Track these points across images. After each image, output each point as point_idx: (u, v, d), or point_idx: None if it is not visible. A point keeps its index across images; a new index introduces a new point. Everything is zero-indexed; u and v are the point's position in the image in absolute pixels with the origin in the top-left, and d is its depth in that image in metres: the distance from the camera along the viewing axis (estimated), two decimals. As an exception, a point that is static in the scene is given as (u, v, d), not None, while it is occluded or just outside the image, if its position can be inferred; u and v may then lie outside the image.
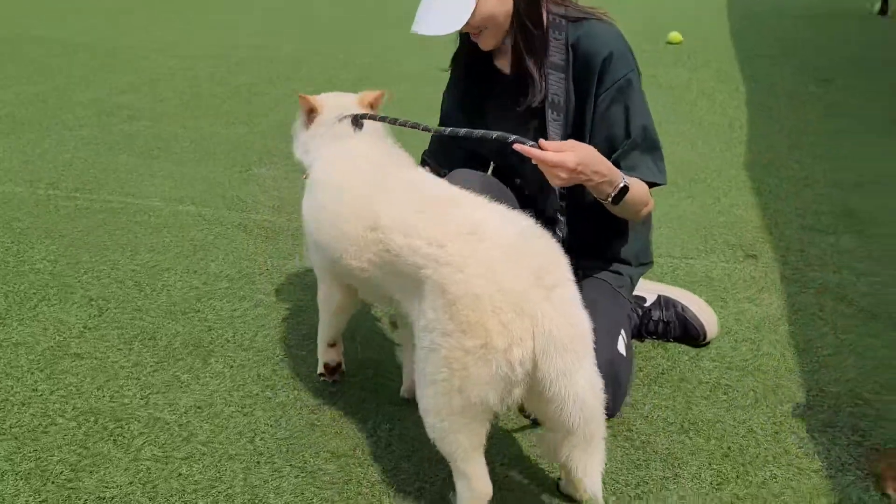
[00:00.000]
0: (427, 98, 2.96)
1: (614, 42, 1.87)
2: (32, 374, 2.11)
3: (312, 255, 1.92)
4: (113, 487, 1.73)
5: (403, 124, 1.86)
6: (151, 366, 2.16)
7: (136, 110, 4.33)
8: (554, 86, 1.92)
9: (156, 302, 2.47)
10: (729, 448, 1.86)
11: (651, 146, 1.91)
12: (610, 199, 1.78)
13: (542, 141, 1.62)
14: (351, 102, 1.96)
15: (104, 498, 1.70)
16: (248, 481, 1.75)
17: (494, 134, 1.70)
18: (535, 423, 1.85)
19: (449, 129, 1.86)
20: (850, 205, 3.24)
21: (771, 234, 2.98)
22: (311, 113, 1.94)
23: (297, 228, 2.98)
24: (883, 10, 7.56)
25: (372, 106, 1.97)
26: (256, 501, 1.69)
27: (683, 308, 2.22)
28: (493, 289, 1.37)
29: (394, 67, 5.52)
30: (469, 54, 2.00)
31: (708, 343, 2.23)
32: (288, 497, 1.71)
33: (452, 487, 1.59)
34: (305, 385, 2.08)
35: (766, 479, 1.77)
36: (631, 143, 1.88)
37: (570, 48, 1.89)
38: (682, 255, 2.76)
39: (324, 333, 2.02)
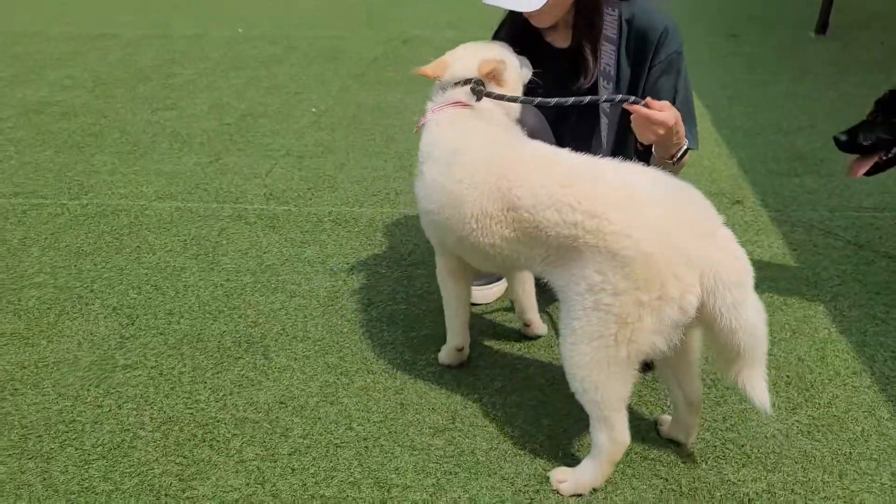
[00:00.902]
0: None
1: (668, 19, 1.99)
2: (88, 391, 1.99)
3: (429, 231, 1.92)
4: (232, 491, 1.69)
5: (514, 100, 1.86)
6: (211, 368, 2.08)
7: (70, 107, 4.01)
8: (606, 56, 2.02)
9: (186, 303, 2.37)
10: (788, 377, 2.05)
11: (690, 115, 2.05)
12: (674, 160, 1.90)
13: (648, 100, 1.72)
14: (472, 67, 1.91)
15: (226, 502, 1.66)
16: (364, 465, 1.76)
17: (587, 99, 1.77)
18: (646, 370, 1.94)
19: (551, 100, 1.86)
20: (798, 148, 3.56)
21: (744, 180, 3.23)
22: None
23: (297, 215, 2.93)
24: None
25: (489, 76, 1.90)
26: (382, 484, 1.71)
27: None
28: (663, 246, 1.46)
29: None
30: (522, 31, 2.04)
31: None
32: (411, 476, 1.73)
33: (562, 443, 1.68)
34: (377, 367, 2.09)
35: (830, 399, 1.97)
36: (680, 103, 2.00)
37: (623, 22, 1.98)
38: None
39: (451, 314, 2.04)
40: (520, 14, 2.02)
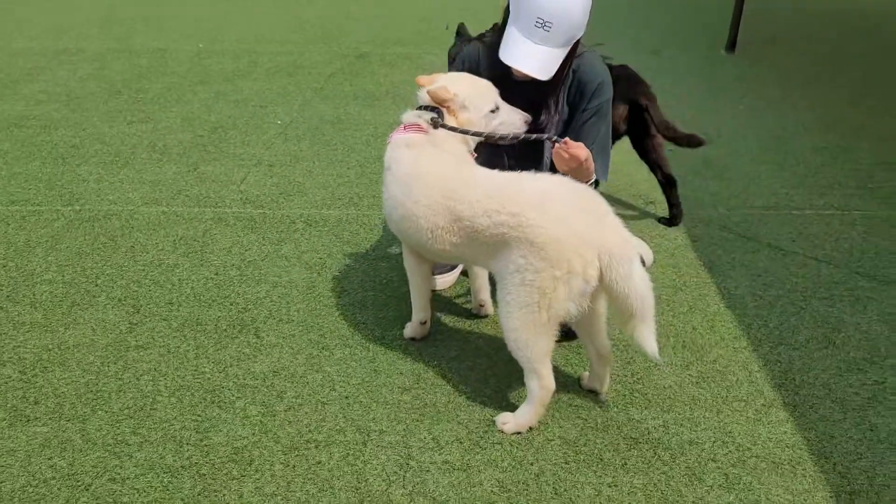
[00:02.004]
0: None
1: (604, 74, 2.49)
2: (108, 367, 2.36)
3: (394, 231, 2.37)
4: (240, 439, 2.09)
5: (464, 132, 2.29)
6: (212, 346, 2.48)
7: (49, 120, 4.29)
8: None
9: (182, 294, 2.75)
10: (684, 342, 2.57)
11: (606, 153, 2.57)
12: None
13: (567, 140, 2.21)
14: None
15: (238, 448, 2.06)
16: (347, 417, 2.18)
17: (534, 136, 2.27)
18: (569, 338, 2.42)
19: (495, 134, 2.32)
20: (707, 155, 4.11)
21: (657, 184, 3.75)
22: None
23: (272, 217, 3.32)
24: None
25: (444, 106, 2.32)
26: (362, 430, 2.13)
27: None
28: (567, 233, 1.94)
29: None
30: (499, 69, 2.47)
31: (647, 270, 2.92)
32: (385, 423, 2.16)
33: (505, 396, 2.14)
34: (353, 342, 2.51)
35: (715, 358, 2.49)
36: (595, 150, 2.50)
37: (570, 71, 2.47)
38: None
39: (415, 294, 2.48)
40: (487, 52, 2.46)
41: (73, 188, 3.51)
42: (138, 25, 6.34)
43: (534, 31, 2.27)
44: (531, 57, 2.29)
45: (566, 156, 2.26)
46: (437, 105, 2.31)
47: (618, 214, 2.06)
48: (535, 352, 2.06)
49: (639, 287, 1.99)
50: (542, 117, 2.54)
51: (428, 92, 2.30)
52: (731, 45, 6.01)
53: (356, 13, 6.94)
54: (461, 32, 3.53)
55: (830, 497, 1.96)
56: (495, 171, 2.24)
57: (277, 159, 3.90)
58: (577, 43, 2.42)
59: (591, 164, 2.37)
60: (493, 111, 2.36)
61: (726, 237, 3.27)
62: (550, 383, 2.11)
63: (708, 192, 3.69)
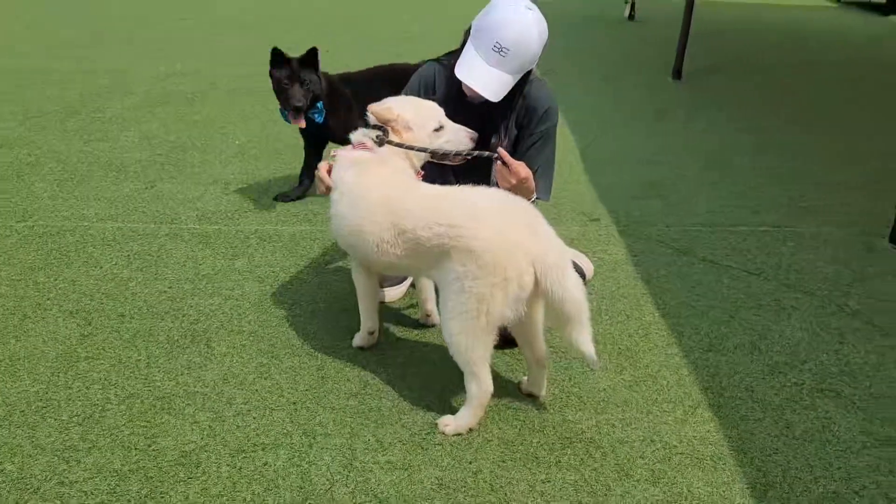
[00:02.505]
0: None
1: (551, 101, 2.68)
2: (58, 376, 2.41)
3: (342, 246, 2.47)
4: (190, 443, 2.16)
5: (410, 148, 2.40)
6: (164, 356, 2.54)
7: (4, 139, 4.32)
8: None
9: (135, 307, 2.81)
10: (619, 349, 2.70)
11: (549, 175, 2.74)
12: None
13: (503, 152, 2.37)
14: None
15: (186, 452, 2.13)
16: (294, 422, 2.26)
17: (475, 152, 2.41)
18: (500, 347, 2.53)
19: (450, 152, 2.45)
20: (650, 176, 4.31)
21: (603, 202, 3.93)
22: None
23: (227, 233, 3.40)
24: (631, 16, 9.15)
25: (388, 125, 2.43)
26: (308, 433, 2.21)
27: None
28: (503, 242, 2.06)
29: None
30: (455, 90, 2.61)
31: (587, 282, 3.07)
32: (331, 427, 2.25)
33: (448, 400, 2.24)
34: (302, 352, 2.59)
35: (648, 363, 2.62)
36: (539, 171, 2.66)
37: (522, 97, 2.62)
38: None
39: (364, 306, 2.57)
40: (454, 78, 2.58)
41: (27, 205, 3.54)
42: (99, 47, 6.39)
43: (490, 54, 2.43)
44: (484, 77, 2.45)
45: (508, 174, 2.40)
46: (383, 125, 2.43)
47: (564, 229, 2.20)
48: (475, 356, 2.17)
49: (572, 293, 2.11)
50: (493, 140, 2.68)
51: (372, 112, 2.43)
52: (677, 74, 6.27)
53: (317, 39, 7.08)
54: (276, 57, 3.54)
55: (747, 489, 2.09)
56: (436, 186, 2.36)
57: (234, 178, 3.98)
58: (529, 72, 2.58)
59: (532, 184, 2.51)
60: (437, 129, 2.47)
61: (665, 252, 3.43)
62: (489, 386, 2.21)
63: (650, 210, 3.87)
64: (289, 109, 3.51)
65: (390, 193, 2.31)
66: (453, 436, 2.23)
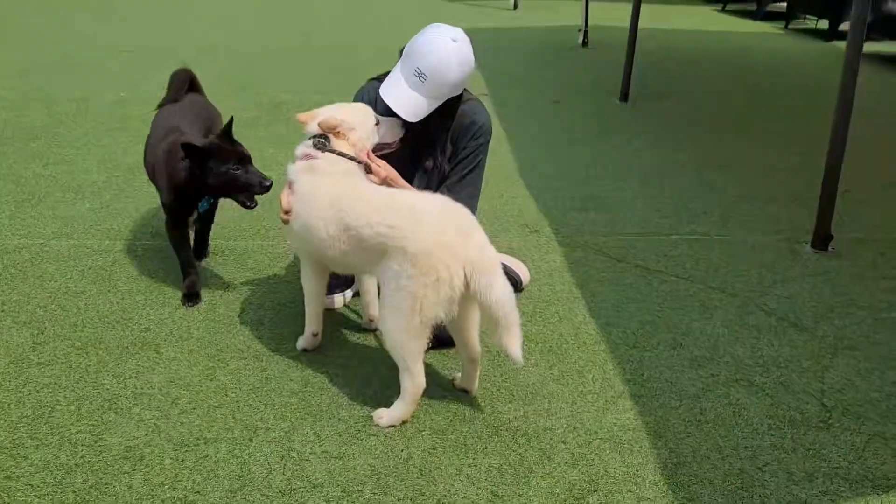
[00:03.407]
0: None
1: (484, 119, 2.89)
2: (10, 381, 2.51)
3: (295, 246, 2.65)
4: (134, 439, 2.27)
5: (343, 156, 2.55)
6: (113, 361, 2.64)
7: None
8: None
9: (87, 317, 2.91)
10: (550, 347, 2.87)
11: (474, 195, 2.92)
12: None
13: (370, 153, 2.63)
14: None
15: (131, 447, 2.24)
16: (237, 418, 2.38)
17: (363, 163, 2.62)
18: (434, 348, 2.68)
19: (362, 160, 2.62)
20: (591, 191, 4.52)
21: (544, 215, 4.12)
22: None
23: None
24: (584, 43, 9.48)
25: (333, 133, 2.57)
26: (249, 428, 2.34)
27: (504, 266, 3.20)
28: (436, 245, 2.22)
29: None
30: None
31: (523, 289, 3.24)
32: (272, 422, 2.37)
33: (385, 396, 2.39)
34: (248, 355, 2.72)
35: (575, 360, 2.79)
36: (465, 183, 2.87)
37: (457, 114, 2.82)
38: (490, 235, 3.77)
39: (310, 309, 2.70)
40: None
41: (-16, 224, 3.64)
42: (59, 75, 6.50)
43: (411, 77, 2.63)
44: (402, 99, 2.64)
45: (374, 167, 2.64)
46: (326, 133, 2.59)
47: (506, 240, 2.36)
48: (409, 351, 2.32)
49: (500, 297, 2.26)
50: (429, 162, 2.86)
51: (319, 123, 2.58)
52: (624, 96, 6.55)
53: (276, 64, 7.28)
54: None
55: (659, 468, 2.26)
56: (381, 187, 2.54)
57: (189, 197, 4.10)
58: (459, 97, 2.77)
59: (398, 184, 2.72)
60: (376, 124, 2.69)
61: (600, 259, 3.62)
62: (421, 381, 2.36)
63: (588, 221, 4.07)
64: (254, 193, 2.95)
65: (339, 192, 2.47)
66: (387, 427, 2.37)
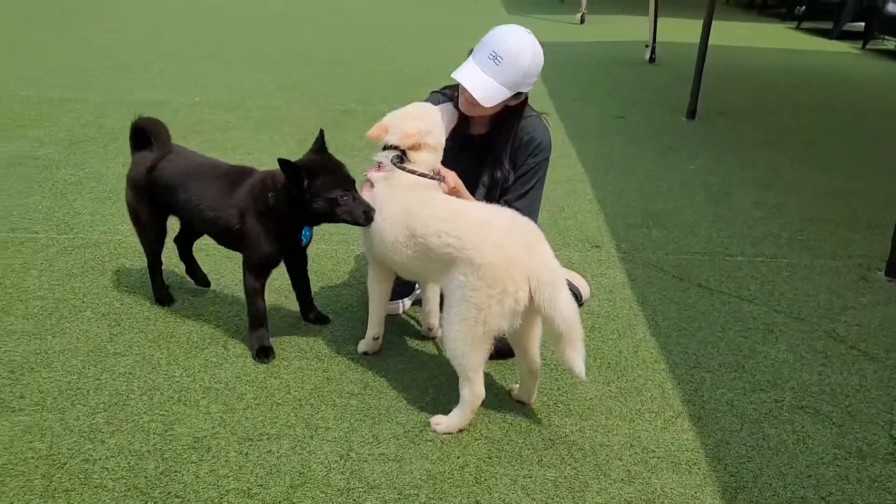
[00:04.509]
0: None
1: (544, 137, 2.88)
2: (88, 369, 2.64)
3: (367, 249, 2.70)
4: (202, 431, 2.36)
5: (414, 173, 2.60)
6: (184, 355, 2.75)
7: (51, 161, 4.64)
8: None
9: (160, 311, 3.04)
10: (609, 363, 2.86)
11: (534, 202, 2.93)
12: None
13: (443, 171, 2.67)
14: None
15: (199, 438, 2.33)
16: (298, 416, 2.46)
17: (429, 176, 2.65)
18: (492, 358, 2.70)
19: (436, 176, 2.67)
20: (654, 207, 4.48)
21: (606, 230, 4.10)
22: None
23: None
24: (651, 59, 9.39)
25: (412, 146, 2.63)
26: (310, 426, 2.40)
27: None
28: (501, 256, 2.25)
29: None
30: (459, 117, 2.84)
31: (583, 303, 3.23)
32: (332, 422, 2.44)
33: (442, 403, 2.42)
34: (310, 355, 2.79)
35: (634, 378, 2.78)
36: (525, 200, 2.88)
37: (517, 130, 2.85)
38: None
39: (373, 313, 2.77)
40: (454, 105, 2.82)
41: (68, 219, 3.83)
42: (140, 79, 6.78)
43: (486, 61, 2.64)
44: (476, 80, 2.64)
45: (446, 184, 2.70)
46: (407, 149, 2.61)
47: (567, 254, 2.37)
48: (470, 362, 2.35)
49: (563, 311, 2.27)
50: (498, 175, 2.89)
51: (402, 142, 2.60)
52: (691, 113, 6.46)
53: (346, 75, 7.43)
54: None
55: (718, 491, 2.23)
56: (453, 199, 2.59)
57: (258, 200, 4.24)
58: (524, 103, 2.80)
59: (464, 195, 2.76)
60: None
61: (661, 277, 3.59)
62: (480, 391, 2.39)
63: (650, 238, 4.03)
64: (357, 225, 2.61)
65: (412, 200, 2.52)
66: (443, 434, 2.40)
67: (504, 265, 2.26)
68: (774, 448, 2.43)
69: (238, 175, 2.83)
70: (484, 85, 2.63)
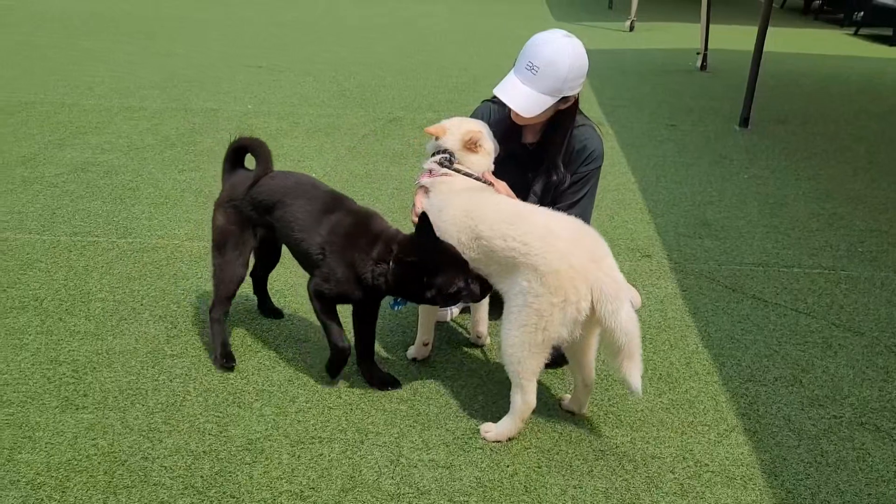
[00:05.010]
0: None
1: (597, 145, 2.87)
2: (146, 370, 2.71)
3: None
4: (255, 433, 2.40)
5: (461, 173, 2.64)
6: (238, 357, 2.80)
7: (111, 167, 4.80)
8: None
9: (215, 315, 3.11)
10: (660, 375, 2.82)
11: (586, 212, 2.90)
12: None
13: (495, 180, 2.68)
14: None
15: (252, 440, 2.37)
16: (349, 420, 2.48)
17: (475, 175, 2.68)
18: (549, 367, 2.70)
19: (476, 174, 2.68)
20: (706, 217, 4.41)
21: (656, 240, 4.05)
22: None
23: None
24: (703, 66, 9.24)
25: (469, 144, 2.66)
26: (361, 431, 2.43)
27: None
28: (566, 265, 2.25)
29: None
30: (504, 125, 2.87)
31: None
32: (381, 427, 2.46)
33: (491, 411, 2.42)
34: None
35: (686, 389, 2.74)
36: (576, 210, 2.83)
37: (571, 134, 2.85)
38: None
39: (423, 319, 2.79)
40: (504, 114, 2.85)
41: (127, 224, 3.95)
42: (194, 88, 6.96)
43: (524, 72, 2.65)
44: (514, 93, 2.65)
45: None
46: (470, 146, 2.66)
47: (616, 263, 2.35)
48: (526, 368, 2.34)
49: (625, 324, 2.25)
50: (554, 177, 2.88)
51: (463, 138, 2.65)
52: (745, 122, 6.34)
53: (392, 82, 7.50)
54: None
55: (774, 508, 2.18)
56: (517, 201, 2.60)
57: (309, 206, 4.30)
58: (576, 106, 2.78)
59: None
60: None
61: (714, 288, 3.53)
62: (532, 400, 2.37)
63: (702, 248, 3.97)
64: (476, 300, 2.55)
65: (475, 202, 2.52)
66: (493, 442, 2.40)
67: (569, 274, 2.25)
68: (833, 465, 2.37)
69: (333, 203, 2.66)
70: (524, 97, 2.64)
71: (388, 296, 2.59)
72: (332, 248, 2.55)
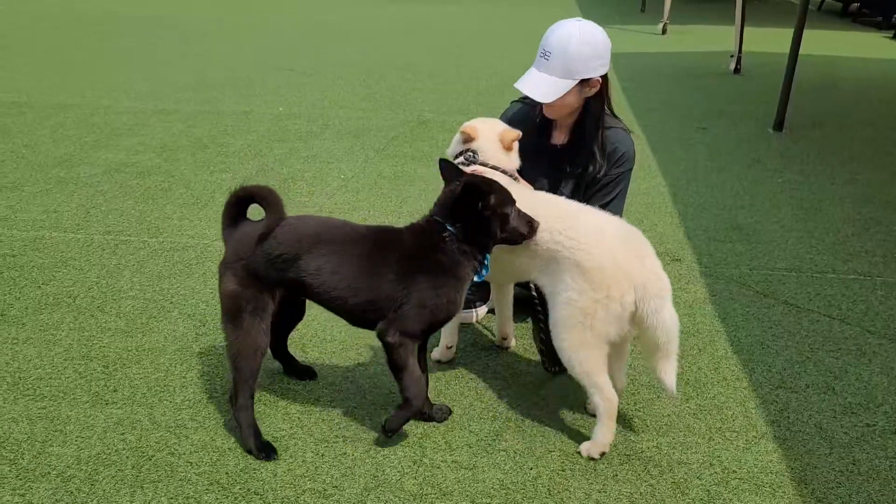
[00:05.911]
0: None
1: (628, 147, 2.88)
2: (175, 367, 2.75)
3: None
4: (280, 431, 2.43)
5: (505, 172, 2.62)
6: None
7: (144, 168, 4.89)
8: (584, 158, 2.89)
9: (243, 314, 3.14)
10: (688, 380, 2.78)
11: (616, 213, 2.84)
12: None
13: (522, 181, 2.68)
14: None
15: (277, 437, 2.40)
16: (373, 420, 2.49)
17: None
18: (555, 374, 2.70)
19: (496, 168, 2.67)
20: (738, 221, 4.34)
21: (687, 244, 4.00)
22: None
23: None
24: (736, 69, 9.11)
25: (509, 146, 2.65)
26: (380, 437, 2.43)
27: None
28: (611, 262, 2.25)
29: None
30: (532, 126, 2.88)
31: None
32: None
33: (514, 414, 2.40)
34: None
35: (714, 395, 2.69)
36: (606, 209, 2.77)
37: (603, 126, 2.85)
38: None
39: (445, 329, 2.74)
40: (533, 114, 2.88)
41: (158, 224, 4.01)
42: (227, 91, 7.05)
43: (540, 61, 2.73)
44: (531, 81, 2.72)
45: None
46: (508, 146, 2.64)
47: None
48: (590, 365, 2.31)
49: (666, 322, 2.26)
50: (591, 169, 2.87)
51: (501, 136, 2.64)
52: (779, 125, 6.23)
53: (422, 85, 7.52)
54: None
55: (804, 517, 2.13)
56: (561, 198, 2.60)
57: (337, 207, 4.34)
58: (603, 92, 2.78)
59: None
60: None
61: (744, 293, 3.47)
62: (612, 395, 2.33)
63: (733, 252, 3.90)
64: (525, 237, 2.37)
65: (524, 196, 2.46)
66: (599, 455, 2.33)
67: (613, 270, 2.25)
68: (866, 474, 2.31)
69: (375, 235, 2.43)
70: (540, 83, 2.69)
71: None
72: (411, 276, 2.28)
